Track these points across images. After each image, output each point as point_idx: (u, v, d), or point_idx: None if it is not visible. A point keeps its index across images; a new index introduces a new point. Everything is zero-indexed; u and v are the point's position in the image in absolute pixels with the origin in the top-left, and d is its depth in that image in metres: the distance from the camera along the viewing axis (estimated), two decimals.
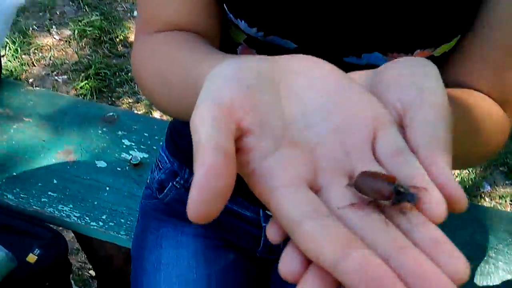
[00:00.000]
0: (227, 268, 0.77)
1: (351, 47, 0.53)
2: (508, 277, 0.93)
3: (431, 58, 0.53)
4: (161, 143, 0.84)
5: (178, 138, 0.77)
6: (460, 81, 0.54)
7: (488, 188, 2.11)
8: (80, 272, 1.62)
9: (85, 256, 1.48)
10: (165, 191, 0.79)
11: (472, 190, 2.07)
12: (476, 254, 0.96)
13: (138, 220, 0.85)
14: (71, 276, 1.23)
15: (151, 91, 0.53)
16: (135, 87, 2.18)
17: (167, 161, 0.79)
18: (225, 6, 0.53)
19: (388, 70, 0.34)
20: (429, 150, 0.29)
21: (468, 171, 2.13)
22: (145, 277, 0.77)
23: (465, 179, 2.09)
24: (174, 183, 0.78)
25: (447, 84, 0.49)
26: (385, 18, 0.50)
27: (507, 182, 2.13)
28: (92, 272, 1.58)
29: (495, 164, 2.17)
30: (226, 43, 0.60)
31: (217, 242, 0.77)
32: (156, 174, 0.81)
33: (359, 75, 0.36)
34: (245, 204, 0.73)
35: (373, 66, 0.53)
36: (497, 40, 0.51)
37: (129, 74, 2.23)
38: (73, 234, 1.19)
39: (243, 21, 0.53)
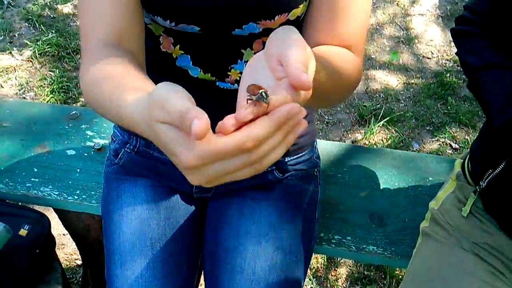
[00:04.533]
0: (172, 207, 1.04)
1: (234, 23, 0.80)
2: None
3: (289, 22, 0.80)
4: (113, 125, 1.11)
5: None
6: (318, 39, 0.80)
7: (417, 146, 2.42)
8: (68, 263, 1.86)
9: (72, 247, 1.73)
10: (119, 156, 1.05)
11: (403, 149, 2.38)
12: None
13: (103, 186, 1.11)
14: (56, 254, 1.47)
15: (96, 109, 0.73)
16: None
17: (119, 134, 1.06)
18: (145, 10, 0.80)
19: (270, 37, 0.56)
20: (290, 62, 0.49)
21: (398, 133, 2.43)
22: (111, 223, 1.04)
23: (396, 141, 2.39)
24: (126, 149, 1.04)
25: (311, 45, 0.76)
26: (252, 3, 0.77)
27: (433, 139, 2.44)
28: (79, 262, 1.83)
29: (422, 125, 2.48)
30: (151, 37, 0.87)
31: (162, 189, 1.05)
32: (112, 146, 1.08)
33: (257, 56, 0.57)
34: None
35: (252, 34, 0.81)
36: (326, 4, 0.78)
37: None
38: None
39: (159, 17, 0.80)
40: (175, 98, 0.47)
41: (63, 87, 2.44)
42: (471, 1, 1.02)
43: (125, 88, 0.63)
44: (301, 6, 0.79)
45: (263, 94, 0.47)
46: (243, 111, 0.47)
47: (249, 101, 0.49)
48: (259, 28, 0.81)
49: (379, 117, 2.39)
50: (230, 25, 0.81)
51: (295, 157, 1.05)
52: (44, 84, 2.46)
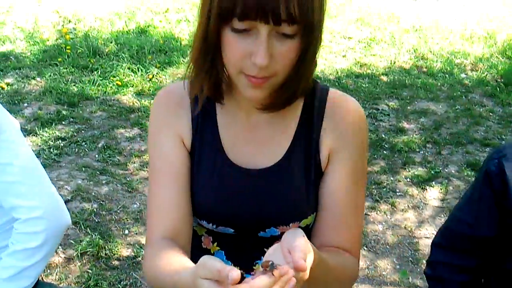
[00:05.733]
0: None
1: (260, 227, 1.09)
2: None
3: (301, 228, 1.08)
4: None
5: None
6: (322, 242, 1.07)
7: None
8: None
9: None
10: None
11: None
12: None
13: None
14: None
15: (155, 284, 1.01)
16: None
17: None
18: (194, 216, 1.10)
19: (285, 234, 0.85)
20: (294, 251, 0.78)
21: None
22: None
23: None
24: None
25: (316, 245, 1.03)
26: (274, 215, 1.07)
27: None
28: None
29: None
30: (194, 237, 1.15)
31: None
32: None
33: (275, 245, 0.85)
34: None
35: (273, 236, 1.09)
36: (329, 218, 1.07)
37: (122, 282, 2.71)
38: None
39: (204, 221, 1.10)
40: (214, 261, 0.75)
41: (98, 285, 2.67)
42: (436, 239, 1.28)
43: (179, 266, 0.91)
44: (309, 217, 1.09)
45: (272, 263, 0.75)
46: (257, 272, 0.74)
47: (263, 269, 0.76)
48: (278, 231, 1.10)
49: None
50: (257, 228, 1.10)
51: None
52: (81, 280, 2.70)
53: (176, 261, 0.94)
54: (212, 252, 1.17)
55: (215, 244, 1.16)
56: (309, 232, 1.11)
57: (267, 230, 1.10)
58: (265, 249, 1.14)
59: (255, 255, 1.15)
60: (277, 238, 1.12)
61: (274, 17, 0.87)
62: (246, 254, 1.16)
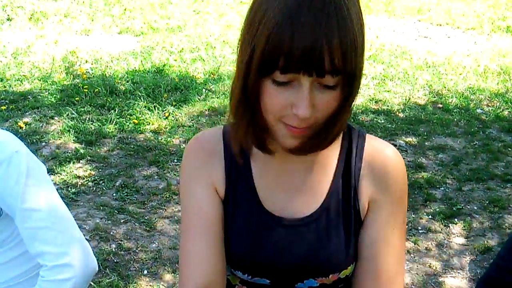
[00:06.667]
0: None
1: (298, 279, 1.05)
2: None
3: (340, 279, 1.04)
4: None
5: None
6: None
7: None
8: None
9: None
10: None
11: None
12: None
13: None
14: None
15: None
16: None
17: None
18: (228, 266, 1.06)
19: None
20: None
21: None
22: None
23: None
24: None
25: None
26: (312, 266, 1.03)
27: None
28: None
29: None
30: (228, 286, 1.10)
31: None
32: None
33: None
34: None
35: (310, 287, 1.05)
36: (368, 267, 1.03)
37: None
38: None
39: (239, 272, 1.06)
40: None
41: None
42: (487, 271, 1.24)
43: None
44: (349, 268, 1.05)
45: None
46: None
47: None
48: (317, 283, 1.05)
49: None
50: (294, 280, 1.06)
51: None
52: None
53: None
54: None
55: None
56: (348, 282, 1.07)
57: (305, 282, 1.06)
58: None
59: None
60: None
61: (318, 69, 0.85)
62: None
